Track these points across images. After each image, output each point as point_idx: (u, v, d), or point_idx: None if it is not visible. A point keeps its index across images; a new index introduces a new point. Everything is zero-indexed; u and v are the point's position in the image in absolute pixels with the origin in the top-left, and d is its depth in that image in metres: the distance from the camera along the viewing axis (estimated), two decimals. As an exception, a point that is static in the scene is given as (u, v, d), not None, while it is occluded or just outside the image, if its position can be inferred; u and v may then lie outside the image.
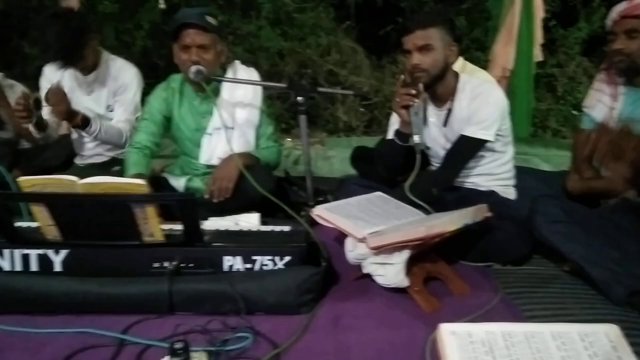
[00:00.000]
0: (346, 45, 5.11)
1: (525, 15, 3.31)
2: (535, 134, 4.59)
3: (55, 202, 1.45)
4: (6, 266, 1.54)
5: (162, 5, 4.01)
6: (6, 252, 1.53)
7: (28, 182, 1.47)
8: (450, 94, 1.97)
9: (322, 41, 5.03)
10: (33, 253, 1.53)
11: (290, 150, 3.54)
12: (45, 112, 2.40)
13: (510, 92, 3.30)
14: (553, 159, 3.22)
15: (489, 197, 1.91)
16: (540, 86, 4.98)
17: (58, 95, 2.23)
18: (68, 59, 2.34)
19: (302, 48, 5.03)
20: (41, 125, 2.37)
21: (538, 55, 3.48)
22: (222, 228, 1.74)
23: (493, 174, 2.03)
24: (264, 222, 1.92)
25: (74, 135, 2.55)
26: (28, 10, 4.52)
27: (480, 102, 1.90)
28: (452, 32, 1.93)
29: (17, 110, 2.24)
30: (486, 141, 1.92)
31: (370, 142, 2.82)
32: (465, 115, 1.94)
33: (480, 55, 4.89)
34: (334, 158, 3.59)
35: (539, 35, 3.43)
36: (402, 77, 1.97)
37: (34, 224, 1.63)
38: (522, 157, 2.92)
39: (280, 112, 4.72)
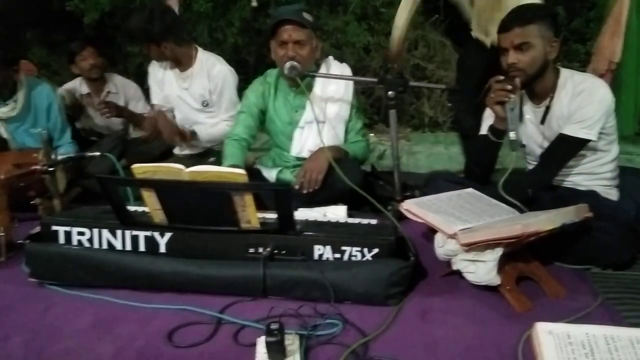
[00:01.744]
0: (434, 39, 5.01)
1: (635, 4, 3.07)
2: (641, 132, 4.26)
3: (164, 188, 1.56)
4: (118, 246, 1.67)
5: (254, 3, 4.16)
6: (119, 233, 1.67)
7: (140, 169, 1.58)
8: (550, 91, 1.87)
9: (409, 35, 4.96)
10: (141, 235, 1.65)
11: (375, 144, 3.56)
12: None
13: (616, 87, 3.08)
14: (661, 160, 2.99)
15: (589, 197, 1.80)
16: (649, 81, 4.60)
17: (164, 122, 2.52)
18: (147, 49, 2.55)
19: (388, 43, 4.99)
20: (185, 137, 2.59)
21: (649, 47, 3.22)
22: (311, 218, 1.80)
23: (594, 173, 1.91)
24: (350, 215, 1.96)
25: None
26: (131, 10, 4.83)
27: (583, 100, 1.79)
28: (554, 27, 1.81)
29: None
30: (588, 141, 1.81)
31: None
32: (565, 113, 1.84)
33: (579, 48, 4.60)
34: (420, 153, 3.56)
35: (651, 26, 3.17)
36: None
37: (140, 208, 1.78)
38: (625, 157, 2.74)
39: (364, 107, 4.73)
